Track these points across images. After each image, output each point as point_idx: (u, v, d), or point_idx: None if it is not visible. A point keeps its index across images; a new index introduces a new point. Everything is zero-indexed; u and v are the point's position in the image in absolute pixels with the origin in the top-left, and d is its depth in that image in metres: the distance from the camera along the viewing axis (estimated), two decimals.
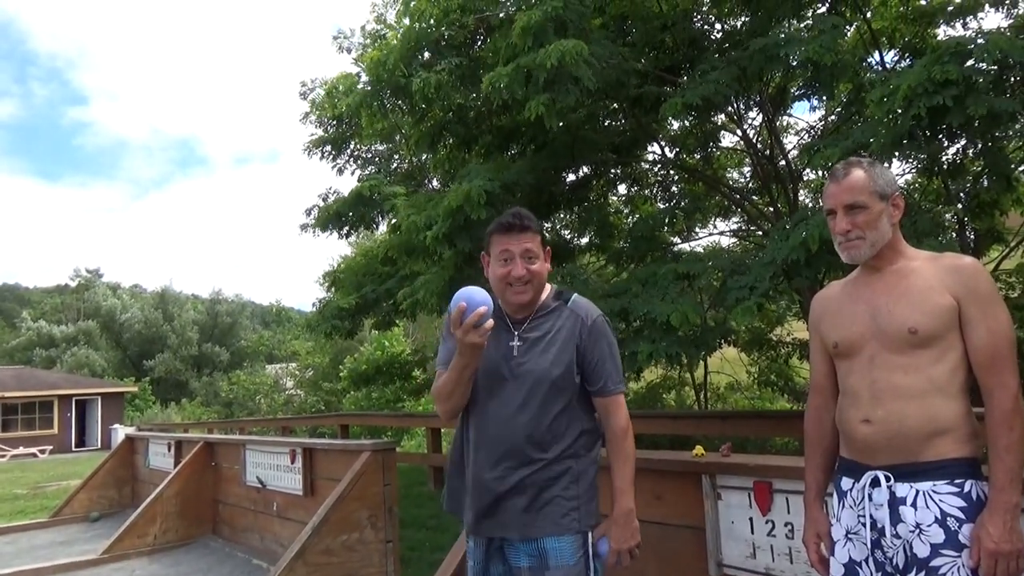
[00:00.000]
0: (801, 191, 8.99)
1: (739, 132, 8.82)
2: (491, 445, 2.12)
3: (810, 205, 8.27)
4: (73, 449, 29.35)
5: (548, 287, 2.25)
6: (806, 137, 9.20)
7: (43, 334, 44.59)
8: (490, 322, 1.97)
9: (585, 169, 8.63)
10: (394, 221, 8.09)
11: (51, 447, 28.60)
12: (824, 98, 7.91)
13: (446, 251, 6.24)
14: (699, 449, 2.89)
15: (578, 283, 6.22)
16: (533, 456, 2.08)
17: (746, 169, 10.49)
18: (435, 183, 10.46)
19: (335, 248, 61.21)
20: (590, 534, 2.13)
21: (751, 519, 2.60)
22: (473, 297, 1.97)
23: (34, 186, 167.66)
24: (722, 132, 9.16)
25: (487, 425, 2.14)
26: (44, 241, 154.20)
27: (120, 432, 22.21)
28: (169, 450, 8.74)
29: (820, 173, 8.52)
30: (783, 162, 8.50)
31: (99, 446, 28.55)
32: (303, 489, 5.75)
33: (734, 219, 10.44)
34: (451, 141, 7.57)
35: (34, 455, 27.26)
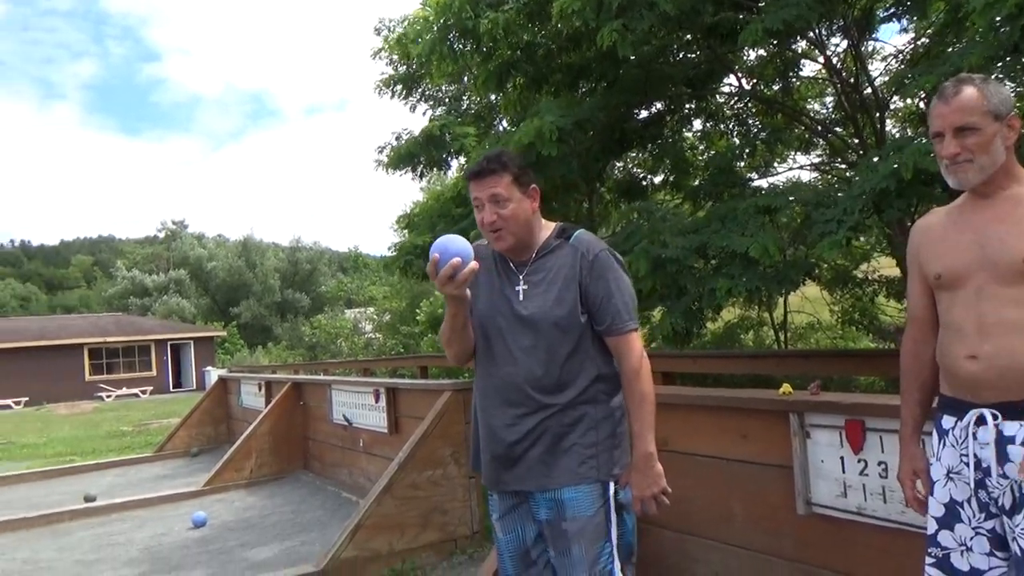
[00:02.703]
0: (889, 121, 8.49)
1: (821, 60, 8.34)
2: (500, 392, 2.07)
3: (898, 135, 7.83)
4: (171, 390, 31.17)
5: (550, 226, 2.16)
6: (894, 63, 8.63)
7: (137, 283, 47.02)
8: (468, 270, 1.91)
9: (658, 105, 8.35)
10: (464, 162, 8.06)
11: (151, 388, 30.46)
12: (915, 18, 7.38)
13: None
14: (786, 387, 2.83)
15: (654, 219, 6.11)
16: (543, 402, 2.01)
17: (829, 99, 9.95)
18: (504, 124, 10.35)
19: (408, 195, 61.90)
20: (612, 484, 2.04)
21: (842, 458, 2.55)
22: (447, 248, 1.91)
23: (118, 141, 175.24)
24: (803, 60, 8.68)
25: (495, 372, 2.08)
26: (132, 194, 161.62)
27: (213, 374, 23.42)
28: (259, 390, 9.17)
29: (911, 101, 8.03)
30: (869, 90, 8.01)
31: (194, 387, 30.22)
32: (388, 427, 5.95)
33: (816, 152, 9.97)
34: (519, 80, 7.43)
35: (136, 395, 29.11)
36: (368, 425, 6.36)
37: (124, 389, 29.71)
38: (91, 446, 12.79)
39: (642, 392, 2.01)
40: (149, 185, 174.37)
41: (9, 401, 27.23)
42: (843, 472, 2.54)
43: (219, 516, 6.33)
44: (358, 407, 6.55)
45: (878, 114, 7.79)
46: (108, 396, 28.56)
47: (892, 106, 8.31)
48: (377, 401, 6.12)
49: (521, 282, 2.08)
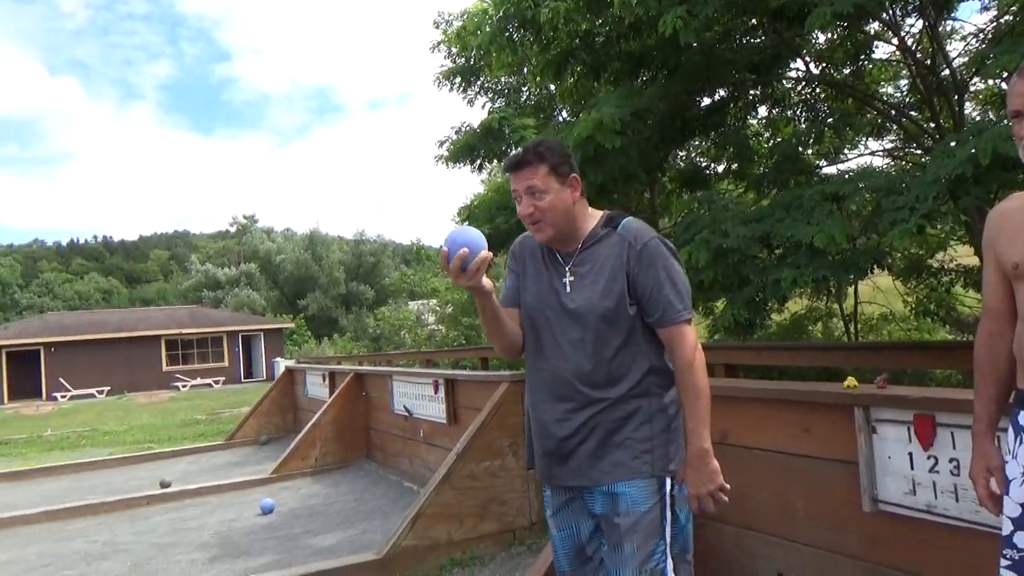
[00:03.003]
0: (968, 104, 8.09)
1: (895, 41, 8.00)
2: (549, 387, 2.02)
3: (978, 118, 7.46)
4: (242, 380, 32.23)
5: (597, 215, 2.08)
6: (973, 43, 8.22)
7: (210, 276, 48.74)
8: (480, 259, 1.82)
9: (721, 92, 8.16)
10: None
11: (223, 378, 31.55)
12: None
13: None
14: (851, 380, 2.73)
15: (715, 208, 5.98)
16: (594, 396, 1.95)
17: (903, 82, 9.56)
18: (564, 115, 10.28)
19: (469, 186, 62.33)
20: (668, 480, 1.96)
21: (910, 454, 2.44)
22: (455, 240, 1.85)
23: (192, 140, 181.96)
24: (875, 42, 8.35)
25: (544, 366, 2.04)
26: (205, 190, 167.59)
27: (281, 365, 24.10)
28: (324, 381, 9.39)
29: (992, 82, 7.63)
30: (946, 72, 7.66)
31: (264, 377, 31.17)
32: (447, 417, 6.01)
33: (889, 138, 9.60)
34: (578, 69, 7.36)
35: (209, 385, 30.19)
36: (428, 416, 6.44)
37: (198, 379, 30.87)
38: (167, 434, 13.35)
39: (696, 386, 1.92)
40: (221, 181, 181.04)
41: (93, 390, 28.63)
42: (912, 469, 2.44)
43: (286, 503, 6.51)
44: (418, 398, 6.63)
45: (956, 96, 7.44)
46: (184, 386, 29.73)
47: (972, 88, 7.91)
48: (436, 392, 6.19)
49: (568, 273, 2.03)
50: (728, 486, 1.94)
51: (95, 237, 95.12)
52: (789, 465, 2.91)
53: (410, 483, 6.64)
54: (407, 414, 6.83)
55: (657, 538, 1.94)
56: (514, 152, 2.05)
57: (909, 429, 2.44)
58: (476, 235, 1.87)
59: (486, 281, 1.91)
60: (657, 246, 1.98)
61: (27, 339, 30.04)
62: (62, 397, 27.96)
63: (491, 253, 1.88)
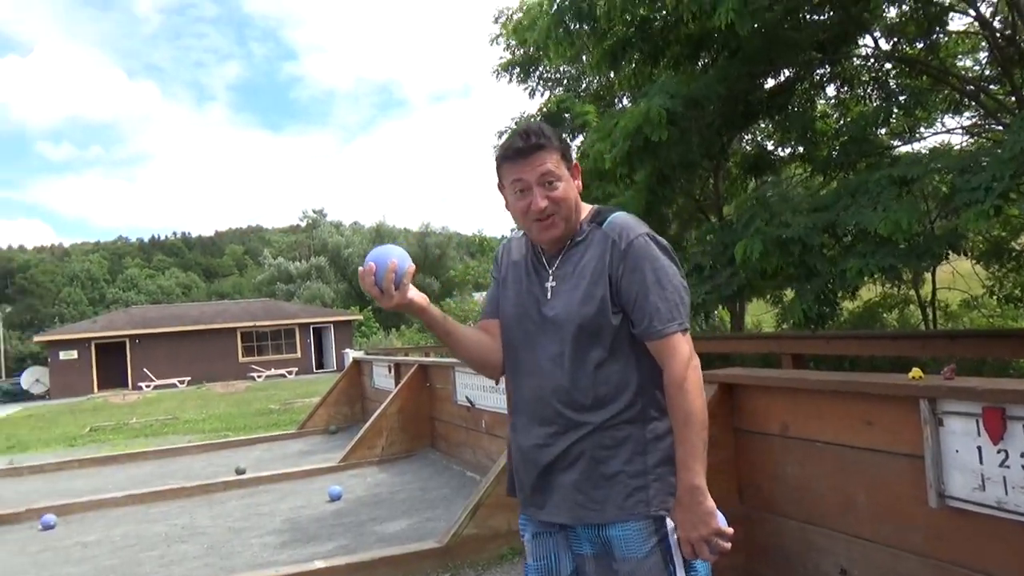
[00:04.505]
0: None
1: (972, 12, 7.61)
2: (528, 407, 1.76)
3: None
4: (313, 371, 33.16)
5: (586, 208, 1.80)
6: None
7: (282, 270, 50.26)
8: (407, 274, 1.60)
9: (786, 72, 7.94)
10: (582, 148, 8.00)
11: (296, 369, 32.56)
12: None
13: (631, 172, 6.09)
14: (916, 371, 2.63)
15: (774, 199, 5.83)
16: (576, 419, 1.68)
17: (981, 55, 9.10)
18: (625, 101, 10.18)
19: None
20: (668, 518, 1.66)
21: (979, 448, 2.34)
22: (381, 256, 1.61)
23: (263, 137, 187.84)
24: (950, 14, 7.96)
25: (523, 384, 1.77)
26: (276, 186, 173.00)
27: (351, 356, 24.69)
28: (389, 372, 9.58)
29: None
30: None
31: (335, 368, 32.00)
32: (507, 409, 6.05)
33: (967, 114, 9.15)
34: (635, 56, 7.28)
35: (283, 376, 31.19)
36: (489, 406, 6.51)
37: (272, 370, 31.93)
38: (243, 423, 13.85)
39: (687, 409, 1.61)
40: (291, 177, 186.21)
41: (175, 380, 29.96)
42: (980, 464, 2.34)
43: (353, 491, 6.68)
44: (480, 389, 6.70)
45: None
46: (258, 376, 30.80)
47: None
48: (498, 383, 6.22)
49: (550, 277, 1.76)
50: (730, 531, 1.63)
51: (174, 233, 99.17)
52: (852, 458, 2.83)
53: (472, 472, 6.73)
54: (469, 405, 6.92)
55: None
56: (509, 139, 1.75)
57: (978, 422, 2.34)
58: (401, 251, 1.64)
59: (416, 295, 1.65)
60: (645, 245, 1.69)
61: (114, 331, 31.68)
62: (146, 387, 29.37)
63: (415, 265, 1.65)
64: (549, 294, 1.75)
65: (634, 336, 1.69)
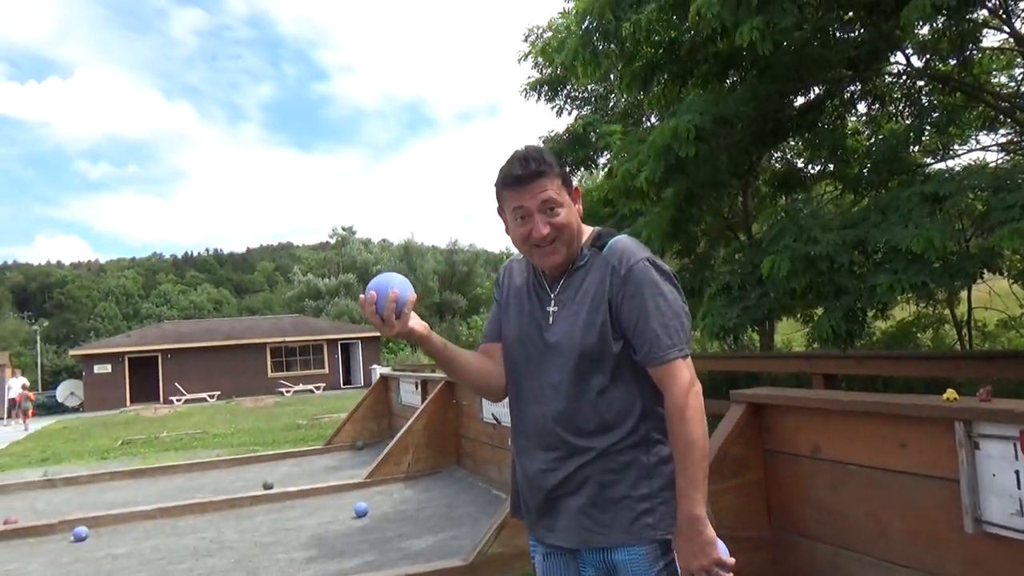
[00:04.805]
0: None
1: (1007, 28, 7.51)
2: (532, 433, 1.77)
3: None
4: (341, 386, 33.37)
5: (587, 231, 1.80)
6: None
7: (311, 286, 50.77)
8: (409, 303, 1.62)
9: (816, 90, 7.89)
10: (608, 166, 8.01)
11: (324, 384, 32.79)
12: None
13: (663, 191, 6.09)
14: (951, 393, 2.58)
15: (803, 215, 5.78)
16: (580, 445, 1.69)
17: (1017, 71, 8.95)
18: (653, 119, 10.18)
19: None
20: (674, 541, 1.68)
21: (1017, 472, 2.29)
22: (382, 285, 1.62)
23: (294, 156, 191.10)
24: (984, 30, 7.86)
25: (526, 409, 1.79)
26: (307, 203, 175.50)
27: (379, 371, 24.81)
28: (416, 388, 9.60)
29: None
30: None
31: (362, 384, 32.16)
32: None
33: (1002, 131, 8.99)
34: (663, 77, 7.28)
35: (311, 391, 31.42)
36: None
37: (301, 385, 32.19)
38: (271, 437, 13.96)
39: (688, 437, 1.61)
40: (322, 195, 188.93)
41: (205, 394, 30.32)
42: (1019, 488, 2.28)
43: (379, 507, 6.69)
44: (506, 406, 6.68)
45: None
46: (287, 391, 31.07)
47: None
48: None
49: (552, 302, 1.77)
50: (731, 561, 1.61)
51: (207, 250, 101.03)
52: (885, 482, 2.78)
53: (498, 491, 6.70)
54: (495, 422, 6.90)
55: None
56: (509, 164, 1.74)
57: (1015, 445, 2.29)
58: (403, 280, 1.65)
59: (418, 323, 1.66)
60: (644, 270, 1.68)
61: (146, 346, 32.21)
62: (177, 401, 29.77)
63: (416, 295, 1.66)
64: (551, 319, 1.75)
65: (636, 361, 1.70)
